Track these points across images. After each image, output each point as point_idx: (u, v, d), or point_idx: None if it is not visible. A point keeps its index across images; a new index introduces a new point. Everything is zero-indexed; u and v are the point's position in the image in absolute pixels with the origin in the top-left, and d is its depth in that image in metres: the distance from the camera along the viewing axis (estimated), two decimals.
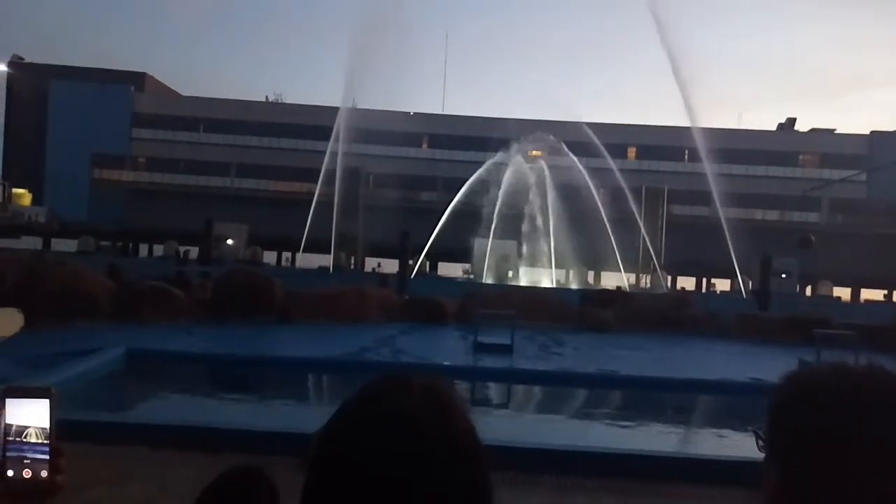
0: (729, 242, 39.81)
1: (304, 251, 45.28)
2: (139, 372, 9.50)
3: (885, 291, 44.68)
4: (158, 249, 46.28)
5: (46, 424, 0.79)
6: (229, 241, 42.59)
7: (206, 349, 10.81)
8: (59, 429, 0.80)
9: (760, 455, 0.85)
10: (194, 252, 36.39)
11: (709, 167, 43.34)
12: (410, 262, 26.43)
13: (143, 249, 50.80)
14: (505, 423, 8.00)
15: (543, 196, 46.44)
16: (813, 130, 56.15)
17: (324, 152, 53.82)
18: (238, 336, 12.50)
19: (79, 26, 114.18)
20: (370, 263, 46.33)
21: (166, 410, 7.80)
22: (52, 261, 14.41)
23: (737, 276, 41.54)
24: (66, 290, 12.57)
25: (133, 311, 13.29)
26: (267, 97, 59.52)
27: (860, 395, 0.76)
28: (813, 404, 0.78)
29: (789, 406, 0.81)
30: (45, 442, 0.79)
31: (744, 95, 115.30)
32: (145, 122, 54.65)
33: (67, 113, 52.00)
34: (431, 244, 40.33)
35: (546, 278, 42.07)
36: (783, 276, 37.07)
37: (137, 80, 58.33)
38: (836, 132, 55.09)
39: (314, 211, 44.52)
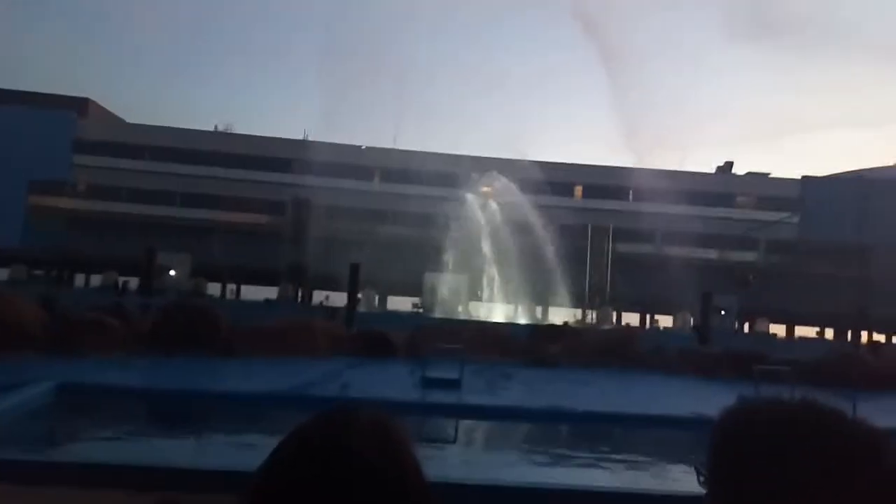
0: (671, 280, 40.93)
1: (250, 283, 44.41)
2: (71, 407, 9.05)
3: (818, 328, 46.55)
4: (97, 279, 44.67)
5: None
6: (172, 272, 41.45)
7: (144, 383, 10.41)
8: None
9: (702, 490, 0.87)
10: (135, 283, 35.24)
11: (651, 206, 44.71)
12: (359, 295, 26.23)
13: (80, 279, 48.93)
14: (453, 459, 7.92)
15: (493, 232, 46.97)
16: (749, 174, 58.80)
17: (273, 183, 53.33)
18: (179, 370, 12.09)
19: (21, 50, 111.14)
20: (318, 296, 45.70)
21: (100, 448, 7.43)
22: None
23: (678, 313, 42.68)
24: None
25: (67, 343, 12.73)
26: (216, 127, 58.88)
27: (796, 427, 0.79)
28: (752, 437, 0.80)
29: (729, 439, 0.83)
30: None
31: (686, 138, 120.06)
32: (88, 149, 53.15)
33: (5, 138, 50.14)
34: (381, 277, 40.12)
35: (495, 313, 42.30)
36: (722, 312, 38.27)
37: (80, 105, 56.83)
38: (770, 176, 57.80)
39: (262, 242, 43.88)
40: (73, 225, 49.94)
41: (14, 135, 49.78)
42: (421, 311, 39.97)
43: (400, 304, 42.16)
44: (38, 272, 44.91)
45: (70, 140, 52.94)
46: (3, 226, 48.41)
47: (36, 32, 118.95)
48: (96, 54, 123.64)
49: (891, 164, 55.70)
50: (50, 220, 47.03)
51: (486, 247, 43.54)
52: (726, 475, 0.81)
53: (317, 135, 50.38)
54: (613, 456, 8.71)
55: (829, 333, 47.05)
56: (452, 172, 53.79)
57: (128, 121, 60.34)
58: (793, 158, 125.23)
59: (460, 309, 41.35)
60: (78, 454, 7.09)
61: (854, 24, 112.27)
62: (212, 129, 58.44)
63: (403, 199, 53.07)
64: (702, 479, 0.88)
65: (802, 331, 48.56)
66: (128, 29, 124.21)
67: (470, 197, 54.28)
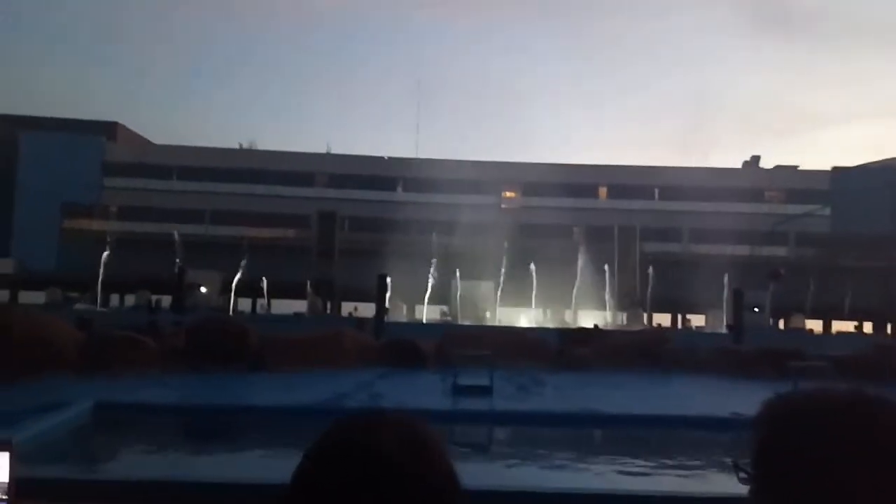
0: (701, 278, 40.33)
1: (279, 297, 44.83)
2: (108, 425, 9.20)
3: (856, 322, 45.45)
4: (130, 299, 45.48)
5: (6, 478, 0.76)
6: (202, 289, 42.04)
7: (179, 400, 10.55)
8: (22, 486, 0.76)
9: (744, 489, 0.84)
10: (167, 301, 35.81)
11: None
12: (387, 305, 26.30)
13: (115, 299, 49.86)
14: (486, 467, 7.87)
15: (518, 236, 46.82)
16: (777, 167, 57.75)
17: (298, 198, 53.89)
18: (212, 385, 12.23)
19: (49, 77, 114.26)
20: (346, 308, 45.95)
21: (137, 465, 7.54)
22: (18, 312, 14.06)
23: (710, 311, 42.01)
24: (33, 342, 12.24)
25: (103, 363, 12.95)
26: (240, 144, 59.78)
27: (849, 415, 0.76)
28: (802, 427, 0.77)
29: (777, 429, 0.79)
30: (4, 497, 0.76)
31: (709, 134, 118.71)
32: (117, 171, 54.31)
33: (38, 164, 51.53)
34: (408, 287, 40.22)
35: (524, 318, 42.10)
36: (755, 309, 37.58)
37: (109, 129, 58.15)
38: (798, 168, 56.73)
39: (289, 256, 44.32)
40: (105, 246, 51.06)
41: (46, 160, 51.14)
42: (449, 318, 39.94)
43: (429, 312, 42.16)
44: (73, 294, 45.89)
45: (100, 163, 54.20)
46: (38, 249, 49.68)
47: (63, 60, 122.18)
48: (123, 78, 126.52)
49: None
50: (83, 243, 48.07)
51: (512, 251, 43.38)
52: (775, 468, 0.77)
53: (339, 147, 50.69)
54: (650, 459, 8.58)
55: (868, 327, 45.89)
56: (477, 178, 53.81)
57: (155, 142, 61.56)
58: (819, 152, 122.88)
59: (488, 315, 41.24)
60: (116, 471, 7.20)
61: (874, 14, 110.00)
62: (236, 146, 59.33)
63: (427, 207, 53.25)
64: (742, 475, 0.85)
65: (839, 325, 47.44)
66: (152, 52, 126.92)
67: (494, 202, 54.24)
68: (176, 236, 43.82)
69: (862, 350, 17.47)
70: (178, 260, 38.91)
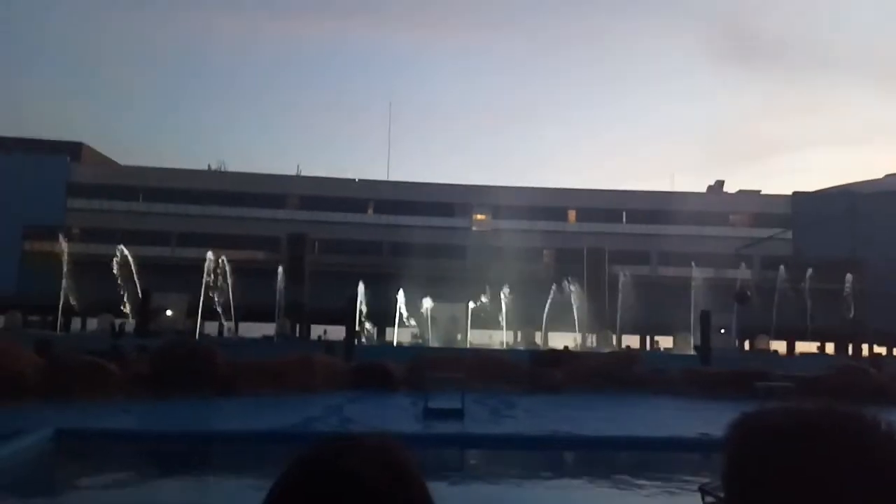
0: (669, 301, 40.87)
1: (247, 320, 44.16)
2: (70, 453, 8.94)
3: (818, 343, 46.44)
4: (92, 323, 44.38)
5: None
6: (168, 312, 41.24)
7: (144, 426, 10.30)
8: None
9: None
10: (131, 325, 35.04)
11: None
12: (357, 328, 26.11)
13: (76, 323, 48.57)
14: (458, 490, 7.82)
15: (490, 258, 47.00)
16: (740, 192, 59.19)
17: (267, 220, 53.42)
18: (178, 411, 11.97)
19: (13, 96, 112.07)
20: (316, 330, 45.46)
21: (100, 494, 7.33)
22: None
23: (678, 333, 42.56)
24: None
25: (64, 389, 12.60)
26: (209, 165, 59.13)
27: (820, 430, 0.76)
28: (782, 443, 0.76)
29: (746, 449, 0.78)
30: None
31: (674, 159, 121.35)
32: (82, 193, 53.25)
33: (0, 184, 50.24)
34: (379, 309, 40.00)
35: (495, 340, 42.13)
36: (721, 331, 38.19)
37: (74, 150, 57.11)
38: (761, 193, 58.21)
39: (258, 278, 43.75)
40: (68, 269, 49.84)
41: (8, 181, 49.90)
42: (420, 341, 39.78)
43: (399, 334, 41.93)
44: (34, 318, 44.60)
45: (64, 184, 53.07)
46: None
47: (28, 78, 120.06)
48: (89, 98, 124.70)
49: (877, 177, 56.19)
50: (45, 265, 46.87)
51: (484, 273, 43.52)
52: (750, 486, 0.76)
53: (309, 169, 50.53)
54: (620, 480, 8.63)
55: (830, 348, 46.92)
56: (448, 201, 54.06)
57: (121, 163, 60.59)
58: (781, 177, 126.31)
59: (459, 337, 41.17)
60: (78, 501, 6.99)
61: (834, 45, 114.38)
62: (205, 167, 58.71)
63: (397, 229, 53.21)
64: (709, 500, 0.84)
65: (802, 346, 48.42)
66: (119, 73, 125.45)
67: (465, 224, 54.48)
68: (128, 259, 42.66)
69: (826, 371, 17.87)
70: (134, 281, 38.02)
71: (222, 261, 42.14)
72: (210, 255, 42.26)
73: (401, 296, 40.20)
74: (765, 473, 0.75)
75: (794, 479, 0.73)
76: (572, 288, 44.06)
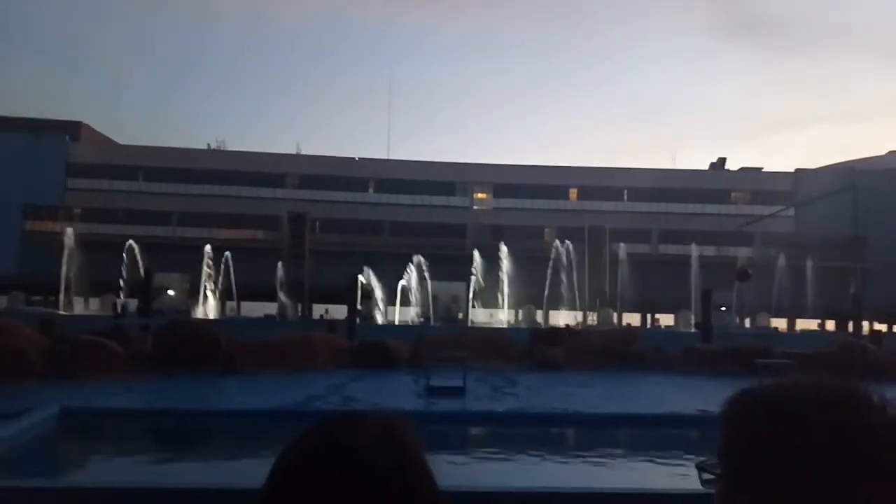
0: (669, 278, 40.88)
1: (249, 299, 44.31)
2: (75, 432, 9.01)
3: (819, 321, 46.53)
4: (95, 303, 44.53)
5: None
6: (170, 292, 41.36)
7: (147, 404, 10.38)
8: None
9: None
10: (133, 304, 35.10)
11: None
12: (359, 307, 26.17)
13: (79, 303, 48.72)
14: (460, 467, 7.90)
15: (490, 237, 46.99)
16: (742, 169, 58.89)
17: (268, 199, 53.33)
18: (181, 389, 12.06)
19: (12, 76, 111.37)
20: (318, 309, 45.60)
21: (106, 472, 7.41)
22: None
23: (679, 311, 42.66)
24: None
25: (68, 368, 12.68)
26: (209, 144, 58.84)
27: (817, 405, 0.76)
28: (781, 417, 0.76)
29: (744, 424, 0.78)
30: None
31: (676, 136, 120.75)
32: (81, 172, 53.10)
33: None
34: (381, 288, 40.08)
35: (496, 318, 42.22)
36: (722, 308, 38.25)
37: (73, 129, 56.82)
38: (763, 170, 57.93)
39: (260, 257, 43.80)
40: (69, 249, 49.86)
41: (7, 161, 49.76)
42: (422, 319, 39.89)
43: (401, 313, 42.05)
44: (37, 298, 44.71)
45: (63, 164, 52.91)
46: (0, 254, 48.32)
47: (27, 58, 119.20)
48: (88, 77, 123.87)
49: (880, 153, 55.88)
50: (46, 245, 46.93)
51: (485, 252, 43.48)
52: (749, 461, 0.76)
53: (309, 148, 50.32)
54: (621, 457, 8.70)
55: (830, 325, 47.05)
56: (448, 180, 53.88)
57: (120, 142, 60.32)
58: (783, 154, 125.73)
59: (461, 316, 41.29)
60: (83, 479, 7.06)
61: (836, 21, 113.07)
62: (205, 146, 58.43)
63: (398, 208, 53.12)
64: (706, 477, 0.84)
65: (803, 324, 48.53)
66: (118, 51, 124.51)
67: (466, 203, 54.37)
68: (132, 243, 42.68)
69: (827, 347, 17.93)
70: (137, 261, 38.04)
71: (224, 240, 42.14)
72: (211, 234, 42.25)
73: (402, 275, 40.24)
74: (759, 448, 0.76)
75: (787, 453, 0.74)
76: (573, 266, 44.06)
